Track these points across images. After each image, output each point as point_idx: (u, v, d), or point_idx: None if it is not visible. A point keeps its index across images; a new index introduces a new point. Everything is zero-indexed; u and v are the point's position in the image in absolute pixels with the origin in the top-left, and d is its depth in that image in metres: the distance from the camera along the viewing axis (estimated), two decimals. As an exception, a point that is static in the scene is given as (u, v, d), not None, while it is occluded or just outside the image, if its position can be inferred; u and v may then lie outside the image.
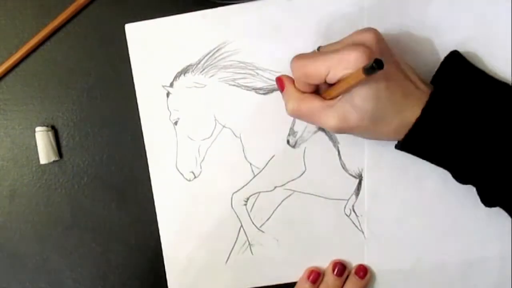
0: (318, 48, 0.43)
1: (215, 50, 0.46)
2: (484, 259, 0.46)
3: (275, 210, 0.47)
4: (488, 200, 0.41)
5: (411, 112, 0.38)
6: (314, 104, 0.40)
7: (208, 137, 0.47)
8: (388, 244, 0.47)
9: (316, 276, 0.46)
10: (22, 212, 0.49)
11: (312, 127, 0.46)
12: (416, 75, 0.40)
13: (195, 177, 0.48)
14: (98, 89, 0.48)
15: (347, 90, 0.38)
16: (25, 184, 0.49)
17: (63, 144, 0.48)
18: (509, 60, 0.44)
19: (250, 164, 0.47)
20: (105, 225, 0.49)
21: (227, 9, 0.46)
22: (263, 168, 0.47)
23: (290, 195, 0.47)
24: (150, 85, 0.47)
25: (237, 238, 0.48)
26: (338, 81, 0.38)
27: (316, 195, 0.47)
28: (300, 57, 0.41)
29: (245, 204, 0.47)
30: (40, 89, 0.48)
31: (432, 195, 0.46)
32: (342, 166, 0.47)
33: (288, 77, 0.43)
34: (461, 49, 0.43)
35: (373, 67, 0.34)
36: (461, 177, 0.40)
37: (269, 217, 0.48)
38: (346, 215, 0.47)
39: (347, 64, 0.37)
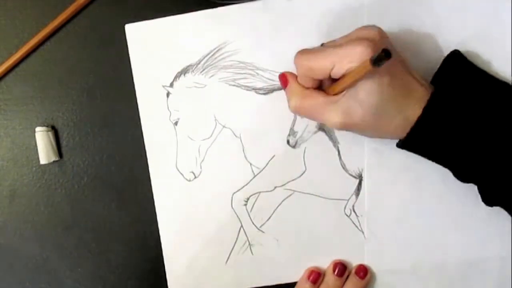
0: (322, 45, 0.42)
1: (215, 50, 0.46)
2: (484, 259, 0.46)
3: (275, 210, 0.47)
4: (489, 199, 0.41)
5: (413, 111, 0.38)
6: (317, 100, 0.40)
7: (208, 137, 0.47)
8: (388, 244, 0.47)
9: (316, 276, 0.46)
10: (22, 212, 0.49)
11: (312, 127, 0.46)
12: (418, 74, 0.40)
13: (195, 177, 0.48)
14: (98, 89, 0.48)
15: (352, 84, 0.38)
16: (25, 184, 0.49)
17: (63, 144, 0.48)
18: (509, 59, 0.44)
19: (250, 164, 0.47)
20: (105, 225, 0.49)
21: (227, 9, 0.46)
22: (263, 168, 0.47)
23: (290, 195, 0.47)
24: (150, 85, 0.47)
25: (237, 238, 0.48)
26: (343, 76, 0.38)
27: (316, 195, 0.47)
28: (304, 52, 0.41)
29: (245, 204, 0.47)
30: (40, 89, 0.48)
31: (432, 195, 0.46)
32: (342, 166, 0.47)
33: (291, 73, 0.43)
34: (461, 48, 0.43)
35: (381, 58, 0.33)
36: (462, 176, 0.40)
37: (269, 217, 0.48)
38: (346, 215, 0.47)
39: (352, 57, 0.37)
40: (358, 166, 0.46)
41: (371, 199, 0.47)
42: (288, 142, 0.47)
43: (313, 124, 0.46)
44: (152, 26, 0.47)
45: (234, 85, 0.47)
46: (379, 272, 0.47)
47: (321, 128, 0.46)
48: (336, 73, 0.38)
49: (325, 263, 0.47)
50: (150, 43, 0.47)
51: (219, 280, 0.48)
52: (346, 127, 0.39)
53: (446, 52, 0.43)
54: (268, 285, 0.48)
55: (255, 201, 0.47)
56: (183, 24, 0.46)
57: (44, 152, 0.47)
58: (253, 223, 0.48)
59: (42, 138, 0.47)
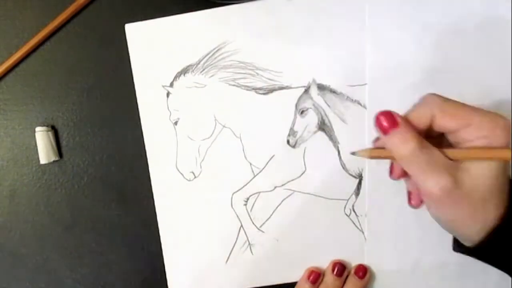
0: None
1: (215, 50, 0.46)
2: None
3: (275, 210, 0.47)
4: None
5: (497, 212, 0.34)
6: (436, 154, 0.34)
7: (208, 137, 0.47)
8: (388, 244, 0.47)
9: (316, 276, 0.46)
10: (22, 212, 0.49)
11: (312, 127, 0.46)
12: None
13: (195, 177, 0.48)
14: (98, 89, 0.48)
15: (478, 159, 0.34)
16: (25, 184, 0.49)
17: (63, 144, 0.48)
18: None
19: (250, 164, 0.47)
20: (105, 225, 0.49)
21: (227, 9, 0.46)
22: (263, 168, 0.47)
23: (290, 195, 0.47)
24: (150, 85, 0.47)
25: (237, 238, 0.48)
26: (461, 143, 0.34)
27: (316, 195, 0.47)
28: (439, 95, 0.35)
29: (245, 204, 0.47)
30: (40, 89, 0.48)
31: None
32: (342, 166, 0.47)
33: (398, 114, 0.35)
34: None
35: None
36: None
37: (269, 217, 0.48)
38: (346, 215, 0.47)
39: (495, 128, 0.33)
40: (358, 166, 0.46)
41: (371, 199, 0.47)
42: (288, 142, 0.47)
43: (313, 124, 0.46)
44: (152, 26, 0.47)
45: (234, 85, 0.47)
46: (379, 272, 0.47)
47: (321, 128, 0.46)
48: (465, 134, 0.34)
49: (325, 263, 0.47)
50: (150, 43, 0.47)
51: (219, 280, 0.48)
52: (446, 197, 0.34)
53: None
54: (268, 285, 0.48)
55: (255, 201, 0.47)
56: (183, 24, 0.46)
57: (44, 152, 0.47)
58: (253, 223, 0.48)
59: (42, 138, 0.47)
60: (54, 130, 0.48)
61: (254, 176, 0.47)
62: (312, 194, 0.47)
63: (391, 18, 0.45)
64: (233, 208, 0.48)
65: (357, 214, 0.47)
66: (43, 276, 0.49)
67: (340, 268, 0.46)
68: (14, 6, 0.48)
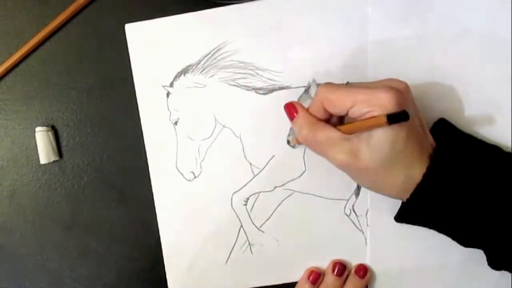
0: (347, 83, 0.42)
1: (215, 50, 0.46)
2: (484, 259, 0.46)
3: (275, 210, 0.47)
4: (495, 263, 0.40)
5: (419, 171, 0.38)
6: (330, 133, 0.39)
7: (208, 137, 0.47)
8: (388, 244, 0.47)
9: (316, 276, 0.46)
10: (22, 212, 0.49)
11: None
12: (429, 134, 0.40)
13: (195, 177, 0.48)
14: (98, 89, 0.48)
15: (363, 130, 0.37)
16: (25, 184, 0.49)
17: (63, 144, 0.48)
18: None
19: (250, 164, 0.47)
20: (105, 225, 0.49)
21: (227, 9, 0.46)
22: (263, 168, 0.47)
23: (290, 195, 0.47)
24: (150, 85, 0.47)
25: (237, 238, 0.48)
26: (357, 119, 0.38)
27: (316, 195, 0.47)
28: (329, 84, 0.40)
29: (245, 204, 0.47)
30: (40, 89, 0.48)
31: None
32: (342, 166, 0.47)
33: (299, 103, 0.42)
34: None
35: (398, 118, 0.34)
36: (466, 242, 0.40)
37: (269, 217, 0.47)
38: (346, 215, 0.47)
39: (377, 102, 0.36)
40: (358, 166, 0.46)
41: (371, 199, 0.47)
42: (288, 142, 0.47)
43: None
44: (152, 26, 0.47)
45: (234, 85, 0.47)
46: (379, 272, 0.47)
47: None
48: (354, 112, 0.38)
49: (325, 263, 0.47)
50: (150, 43, 0.47)
51: (219, 280, 0.48)
52: (349, 168, 0.39)
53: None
54: (268, 285, 0.48)
55: (255, 201, 0.47)
56: (183, 24, 0.46)
57: (44, 152, 0.47)
58: (253, 223, 0.48)
59: (42, 138, 0.47)
60: (54, 130, 0.48)
61: (254, 176, 0.47)
62: (312, 194, 0.47)
63: (393, 18, 0.45)
64: (233, 208, 0.48)
65: (357, 214, 0.47)
66: (43, 276, 0.49)
67: (341, 268, 0.46)
68: (14, 6, 0.48)
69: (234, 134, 0.47)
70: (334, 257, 0.47)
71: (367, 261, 0.47)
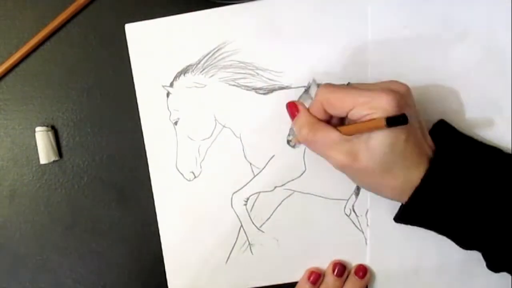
0: (348, 83, 0.42)
1: (215, 50, 0.46)
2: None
3: (275, 210, 0.47)
4: (494, 265, 0.41)
5: (418, 173, 0.38)
6: (330, 134, 0.39)
7: (208, 137, 0.47)
8: (388, 244, 0.47)
9: (316, 277, 0.46)
10: (22, 212, 0.49)
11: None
12: (428, 136, 0.40)
13: (195, 177, 0.48)
14: (98, 89, 0.48)
15: (364, 132, 0.38)
16: (25, 184, 0.49)
17: (63, 144, 0.48)
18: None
19: (250, 164, 0.47)
20: (105, 225, 0.49)
21: (227, 9, 0.46)
22: (263, 168, 0.47)
23: (290, 195, 0.47)
24: (150, 85, 0.47)
25: (237, 238, 0.48)
26: (357, 121, 0.38)
27: (316, 195, 0.47)
28: (329, 85, 0.40)
29: (245, 204, 0.47)
30: (40, 89, 0.48)
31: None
32: (342, 166, 0.47)
33: (300, 103, 0.43)
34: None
35: (397, 121, 0.34)
36: (465, 244, 0.40)
37: (269, 217, 0.47)
38: (346, 215, 0.47)
39: (377, 105, 0.36)
40: (358, 166, 0.46)
41: (371, 199, 0.47)
42: (288, 142, 0.47)
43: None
44: (152, 26, 0.47)
45: (234, 85, 0.47)
46: (379, 272, 0.47)
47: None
48: (354, 114, 0.38)
49: (325, 263, 0.47)
50: (150, 43, 0.47)
51: (219, 280, 0.48)
52: (347, 169, 0.39)
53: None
54: (268, 285, 0.48)
55: (255, 201, 0.47)
56: (183, 24, 0.46)
57: (44, 152, 0.47)
58: (253, 223, 0.48)
59: (42, 138, 0.47)
60: (54, 130, 0.48)
61: (254, 176, 0.47)
62: (312, 194, 0.47)
63: (393, 19, 0.45)
64: (233, 208, 0.48)
65: (357, 214, 0.47)
66: (43, 276, 0.49)
67: (341, 269, 0.46)
68: (14, 6, 0.48)
69: (234, 134, 0.47)
70: (334, 257, 0.47)
71: (367, 261, 0.47)
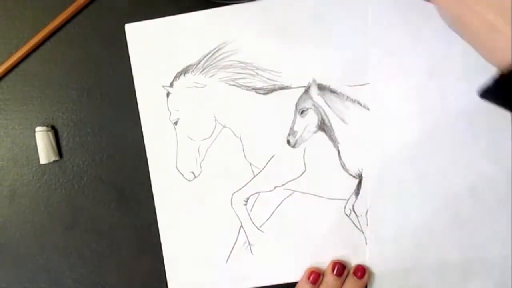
0: None
1: (215, 50, 0.46)
2: (484, 260, 0.46)
3: (275, 210, 0.47)
4: None
5: None
6: None
7: (208, 137, 0.47)
8: (388, 244, 0.47)
9: (316, 277, 0.46)
10: (22, 212, 0.49)
11: (312, 127, 0.46)
12: None
13: (195, 177, 0.48)
14: (98, 89, 0.48)
15: None
16: (25, 184, 0.49)
17: (63, 144, 0.48)
18: None
19: (250, 164, 0.47)
20: (105, 225, 0.49)
21: (227, 9, 0.46)
22: (263, 168, 0.47)
23: (290, 195, 0.47)
24: (150, 85, 0.47)
25: (237, 238, 0.48)
26: None
27: (316, 195, 0.47)
28: None
29: (245, 204, 0.47)
30: (40, 89, 0.48)
31: (432, 194, 0.46)
32: (342, 166, 0.47)
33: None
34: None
35: None
36: None
37: (269, 217, 0.48)
38: (346, 215, 0.47)
39: None
40: (358, 166, 0.46)
41: (371, 199, 0.47)
42: (288, 142, 0.47)
43: (313, 124, 0.46)
44: (152, 26, 0.47)
45: (234, 85, 0.47)
46: (379, 272, 0.47)
47: (321, 128, 0.46)
48: None
49: (325, 263, 0.47)
50: (150, 43, 0.47)
51: (219, 280, 0.48)
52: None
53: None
54: (268, 285, 0.48)
55: (255, 201, 0.47)
56: (183, 24, 0.46)
57: (44, 152, 0.47)
58: (253, 223, 0.48)
59: (42, 138, 0.47)
60: (54, 130, 0.48)
61: (254, 176, 0.47)
62: (312, 194, 0.47)
63: (393, 18, 0.45)
64: (233, 208, 0.48)
65: (357, 214, 0.47)
66: (43, 276, 0.49)
67: (340, 268, 0.46)
68: (14, 6, 0.48)
69: (234, 134, 0.47)
70: (334, 257, 0.47)
71: (366, 261, 0.47)
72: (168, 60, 0.47)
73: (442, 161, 0.45)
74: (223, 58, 0.46)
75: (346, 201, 0.47)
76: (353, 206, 0.47)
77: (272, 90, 0.46)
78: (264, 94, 0.46)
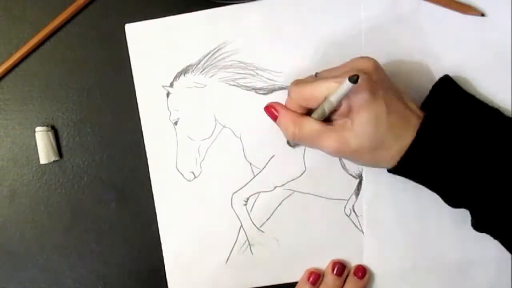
0: (316, 74, 0.43)
1: (215, 50, 0.46)
2: (483, 259, 0.46)
3: (275, 210, 0.47)
4: (479, 224, 0.41)
5: (408, 139, 0.39)
6: (314, 127, 0.40)
7: (208, 137, 0.47)
8: (387, 244, 0.47)
9: (316, 277, 0.46)
10: (22, 212, 0.49)
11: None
12: (413, 103, 0.41)
13: (195, 177, 0.48)
14: (98, 89, 0.48)
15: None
16: (25, 184, 0.49)
17: (63, 144, 0.48)
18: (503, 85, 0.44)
19: (250, 164, 0.47)
20: (105, 225, 0.49)
21: (227, 9, 0.46)
22: (263, 168, 0.47)
23: (290, 195, 0.47)
24: (150, 85, 0.47)
25: (237, 238, 0.48)
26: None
27: (316, 195, 0.47)
28: (298, 82, 0.42)
29: (245, 204, 0.47)
30: (40, 89, 0.48)
31: (432, 194, 0.46)
32: (342, 166, 0.47)
33: (279, 103, 0.43)
34: (453, 73, 0.43)
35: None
36: (453, 201, 0.41)
37: (269, 217, 0.48)
38: (346, 215, 0.47)
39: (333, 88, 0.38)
40: (358, 166, 0.46)
41: (371, 199, 0.47)
42: (288, 142, 0.47)
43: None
44: (152, 26, 0.47)
45: (234, 85, 0.47)
46: (379, 272, 0.47)
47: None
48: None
49: (325, 263, 0.47)
50: (150, 43, 0.47)
51: (219, 280, 0.48)
52: (343, 154, 0.40)
53: (438, 77, 0.43)
54: (268, 285, 0.48)
55: (255, 201, 0.47)
56: (183, 24, 0.46)
57: (44, 152, 0.47)
58: (253, 223, 0.48)
59: (42, 138, 0.47)
60: (54, 130, 0.48)
61: (254, 176, 0.47)
62: (312, 194, 0.47)
63: (387, 17, 0.45)
64: (233, 208, 0.48)
65: (357, 214, 0.47)
66: (43, 276, 0.49)
67: (340, 268, 0.46)
68: (14, 6, 0.48)
69: (234, 134, 0.47)
70: (334, 257, 0.47)
71: (366, 261, 0.47)
72: (168, 60, 0.47)
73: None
74: (223, 58, 0.46)
75: (346, 201, 0.47)
76: (353, 206, 0.47)
77: (272, 90, 0.46)
78: (264, 94, 0.46)
